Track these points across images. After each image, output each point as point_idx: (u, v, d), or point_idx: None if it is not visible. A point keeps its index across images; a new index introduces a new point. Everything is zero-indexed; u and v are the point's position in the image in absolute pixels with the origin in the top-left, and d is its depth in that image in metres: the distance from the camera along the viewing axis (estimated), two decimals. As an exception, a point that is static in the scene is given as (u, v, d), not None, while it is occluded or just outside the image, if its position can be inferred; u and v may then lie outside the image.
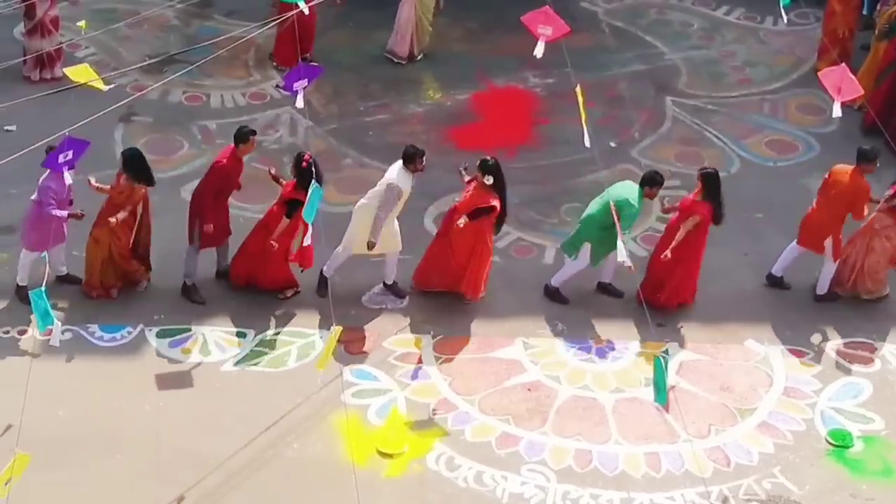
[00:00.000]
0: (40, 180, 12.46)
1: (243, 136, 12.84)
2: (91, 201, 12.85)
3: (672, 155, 15.52)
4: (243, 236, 13.12)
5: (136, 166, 12.67)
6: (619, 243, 11.13)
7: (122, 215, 12.59)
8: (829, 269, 13.25)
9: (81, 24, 14.49)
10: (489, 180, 12.69)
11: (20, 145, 10.93)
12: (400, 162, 12.79)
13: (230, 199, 13.23)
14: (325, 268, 13.16)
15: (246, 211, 13.86)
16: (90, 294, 12.99)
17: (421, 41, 17.36)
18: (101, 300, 12.94)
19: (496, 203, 12.76)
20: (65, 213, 12.50)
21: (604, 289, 13.41)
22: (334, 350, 10.85)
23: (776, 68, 17.62)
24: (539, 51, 11.46)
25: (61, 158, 11.30)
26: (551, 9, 11.56)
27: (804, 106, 16.70)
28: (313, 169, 12.14)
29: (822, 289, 13.36)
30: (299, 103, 12.22)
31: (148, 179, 12.74)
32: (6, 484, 9.37)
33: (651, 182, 12.87)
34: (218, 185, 12.88)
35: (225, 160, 12.87)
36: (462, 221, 12.71)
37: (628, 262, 11.25)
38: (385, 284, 13.31)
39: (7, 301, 12.93)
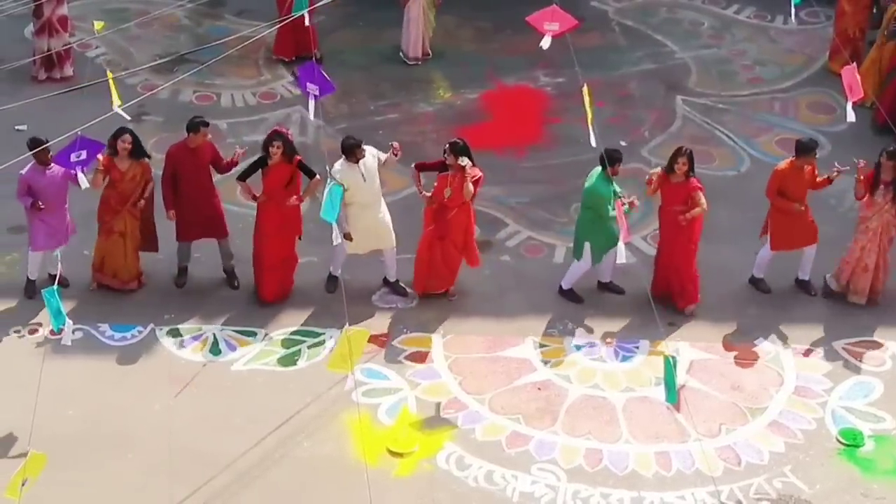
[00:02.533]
0: None
1: (193, 126, 12.86)
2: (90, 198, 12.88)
3: (682, 154, 15.46)
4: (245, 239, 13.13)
5: (138, 144, 12.74)
6: (620, 244, 11.08)
7: (149, 188, 12.77)
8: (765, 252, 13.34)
9: (99, 25, 14.46)
10: (464, 161, 12.60)
11: (29, 145, 11.00)
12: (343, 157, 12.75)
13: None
14: (331, 268, 13.23)
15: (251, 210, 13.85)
16: (130, 286, 13.05)
17: (427, 39, 17.38)
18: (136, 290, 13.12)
19: (479, 172, 12.77)
20: (28, 200, 12.46)
21: (604, 287, 13.39)
22: (347, 351, 10.84)
23: (787, 67, 17.59)
24: (545, 43, 11.39)
25: (73, 158, 11.30)
26: (558, 8, 11.54)
27: (815, 105, 16.66)
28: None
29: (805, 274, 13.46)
30: (312, 114, 12.24)
31: (145, 153, 12.88)
32: (23, 485, 9.39)
33: (610, 161, 12.57)
34: (169, 171, 12.89)
35: (174, 148, 12.96)
36: (468, 190, 12.61)
37: (625, 261, 11.23)
38: (386, 281, 13.32)
39: (18, 300, 12.98)
